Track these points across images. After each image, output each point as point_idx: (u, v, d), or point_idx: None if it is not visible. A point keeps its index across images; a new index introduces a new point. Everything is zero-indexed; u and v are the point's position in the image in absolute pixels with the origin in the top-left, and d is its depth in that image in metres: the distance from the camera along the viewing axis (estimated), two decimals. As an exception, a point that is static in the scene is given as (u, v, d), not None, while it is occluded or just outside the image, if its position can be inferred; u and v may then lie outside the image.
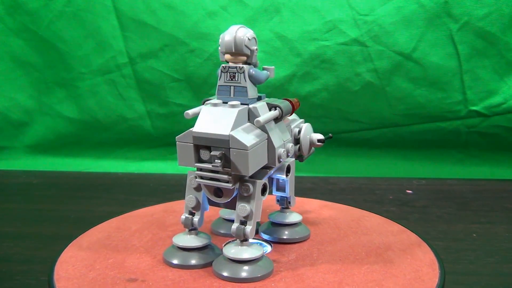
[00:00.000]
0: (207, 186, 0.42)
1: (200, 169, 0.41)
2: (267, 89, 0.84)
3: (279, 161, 0.42)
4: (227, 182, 0.41)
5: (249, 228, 0.41)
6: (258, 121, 0.40)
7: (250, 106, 0.41)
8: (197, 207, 0.44)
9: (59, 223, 0.65)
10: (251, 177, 0.41)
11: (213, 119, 0.40)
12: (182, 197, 0.64)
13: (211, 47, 0.85)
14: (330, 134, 0.49)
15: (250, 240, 0.43)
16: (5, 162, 0.95)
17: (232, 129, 0.39)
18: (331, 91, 0.86)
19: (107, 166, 0.94)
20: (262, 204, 0.43)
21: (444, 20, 0.81)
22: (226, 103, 0.42)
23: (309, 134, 0.48)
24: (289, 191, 0.49)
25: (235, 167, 0.39)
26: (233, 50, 0.41)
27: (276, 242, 0.49)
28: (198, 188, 0.43)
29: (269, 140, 0.42)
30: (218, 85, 0.42)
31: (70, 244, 0.48)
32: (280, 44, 0.85)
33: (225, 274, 0.41)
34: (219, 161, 0.39)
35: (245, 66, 0.41)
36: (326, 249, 0.48)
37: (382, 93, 0.86)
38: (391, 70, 0.84)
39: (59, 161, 0.95)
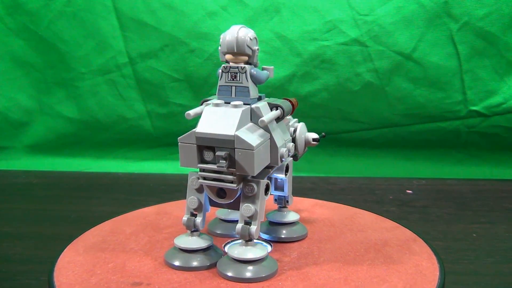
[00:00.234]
0: (209, 187, 0.42)
1: (203, 170, 0.41)
2: (267, 89, 0.84)
3: (281, 161, 0.42)
4: (231, 182, 0.40)
5: (254, 228, 0.41)
6: (262, 121, 0.40)
7: (253, 106, 0.41)
8: (199, 208, 0.43)
9: (59, 223, 0.65)
10: (254, 177, 0.41)
11: (217, 119, 0.40)
12: (182, 197, 0.64)
13: (211, 47, 0.85)
14: (323, 133, 0.49)
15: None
16: (5, 162, 0.95)
17: (237, 129, 0.39)
18: (331, 91, 0.86)
19: (107, 166, 0.94)
20: None
21: (444, 20, 0.81)
22: (228, 103, 0.42)
23: (304, 133, 0.48)
24: (287, 190, 0.49)
25: (240, 167, 0.39)
26: (235, 50, 0.41)
27: (275, 241, 0.49)
28: (199, 189, 0.43)
29: (271, 139, 0.42)
30: (219, 85, 0.42)
31: (65, 250, 0.47)
32: (280, 44, 0.85)
33: (229, 274, 0.41)
34: (224, 161, 0.39)
35: (246, 66, 0.41)
36: (325, 247, 0.48)
37: (382, 93, 0.86)
38: (391, 70, 0.84)
39: (59, 161, 0.95)
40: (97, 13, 0.87)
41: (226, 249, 0.48)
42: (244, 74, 0.41)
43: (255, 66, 0.43)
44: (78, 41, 0.89)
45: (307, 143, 0.48)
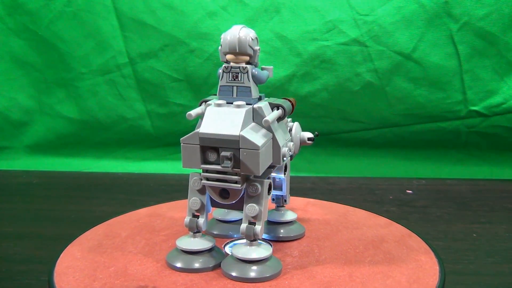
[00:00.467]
0: (212, 187, 0.42)
1: (206, 171, 0.41)
2: (267, 89, 0.84)
3: (283, 160, 0.43)
4: (236, 182, 0.40)
5: (259, 228, 0.41)
6: (266, 120, 0.40)
7: (255, 106, 0.42)
8: (201, 209, 0.43)
9: (59, 223, 0.65)
10: (257, 176, 0.41)
11: (220, 119, 0.40)
12: (182, 197, 0.64)
13: (211, 47, 0.85)
14: (316, 132, 0.49)
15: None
16: (5, 162, 0.95)
17: (241, 129, 0.39)
18: (331, 91, 0.86)
19: (107, 166, 0.94)
20: None
21: (444, 20, 0.81)
22: (230, 103, 0.41)
23: (299, 133, 0.48)
24: (286, 189, 0.49)
25: (245, 167, 0.39)
26: (237, 50, 0.41)
27: (274, 240, 0.49)
28: (201, 190, 0.43)
29: (274, 139, 0.42)
30: (220, 85, 0.42)
31: (61, 255, 0.46)
32: (280, 44, 0.85)
33: (234, 274, 0.41)
34: (229, 162, 0.39)
35: (248, 66, 0.41)
36: (324, 244, 0.49)
37: (382, 93, 0.86)
38: (391, 70, 0.84)
39: (59, 161, 0.95)
40: (97, 13, 0.87)
41: (226, 249, 0.48)
42: (246, 74, 0.41)
43: (256, 66, 0.43)
44: (78, 41, 0.89)
45: (302, 142, 0.48)
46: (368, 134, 0.91)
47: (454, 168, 0.89)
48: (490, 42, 0.82)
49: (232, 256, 0.43)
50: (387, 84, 0.85)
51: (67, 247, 0.48)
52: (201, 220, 0.43)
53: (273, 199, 0.51)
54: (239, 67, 0.41)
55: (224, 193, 0.42)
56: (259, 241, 0.43)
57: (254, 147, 0.39)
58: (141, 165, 0.94)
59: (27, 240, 0.59)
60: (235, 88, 0.42)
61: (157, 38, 0.87)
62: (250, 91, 0.42)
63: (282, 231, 0.50)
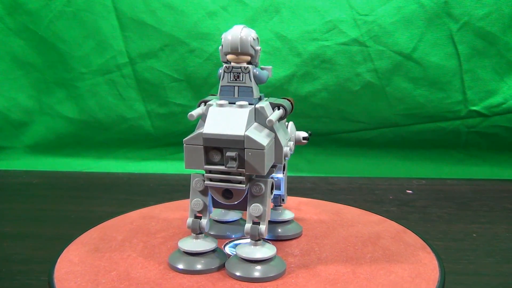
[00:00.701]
0: (215, 188, 0.42)
1: (209, 171, 0.41)
2: (267, 89, 0.84)
3: (285, 159, 0.43)
4: (240, 183, 0.40)
5: (263, 228, 0.41)
6: (270, 120, 0.40)
7: (257, 106, 0.42)
8: (204, 210, 0.43)
9: (59, 223, 0.65)
10: (260, 176, 0.41)
11: (224, 119, 0.40)
12: (182, 197, 0.64)
13: (211, 47, 0.85)
14: (309, 132, 0.49)
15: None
16: (5, 162, 0.95)
17: (246, 129, 0.39)
18: (331, 91, 0.86)
19: (107, 166, 0.94)
20: None
21: (444, 20, 0.81)
22: (232, 103, 0.41)
23: (294, 132, 0.48)
24: (284, 189, 0.50)
25: (250, 167, 0.39)
26: (239, 50, 0.41)
27: (273, 240, 0.49)
28: (204, 191, 0.43)
29: (276, 139, 0.42)
30: (221, 86, 0.42)
31: (58, 261, 0.45)
32: (280, 44, 0.85)
33: (238, 274, 0.41)
34: (234, 162, 0.39)
35: (250, 66, 0.41)
36: (323, 242, 0.49)
37: (382, 93, 0.86)
38: (391, 70, 0.84)
39: (59, 161, 0.95)
40: (97, 13, 0.87)
41: (226, 249, 0.48)
42: (248, 74, 0.41)
43: (256, 66, 0.43)
44: (78, 41, 0.89)
45: (297, 142, 0.48)
46: (368, 134, 0.91)
47: (454, 168, 0.89)
48: (490, 42, 0.82)
49: (236, 256, 0.43)
50: (387, 84, 0.85)
51: (62, 253, 0.47)
52: (204, 221, 0.43)
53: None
54: (240, 67, 0.41)
55: (227, 193, 0.42)
56: (262, 241, 0.43)
57: (260, 147, 0.39)
58: (141, 165, 0.94)
59: (27, 240, 0.59)
60: (236, 88, 0.42)
61: (157, 38, 0.87)
62: (252, 91, 0.42)
63: (280, 230, 0.50)
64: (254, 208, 0.41)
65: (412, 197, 0.75)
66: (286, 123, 0.48)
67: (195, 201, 0.43)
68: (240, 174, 0.40)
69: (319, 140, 0.91)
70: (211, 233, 0.50)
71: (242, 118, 0.40)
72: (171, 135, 0.93)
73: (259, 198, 0.41)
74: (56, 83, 0.93)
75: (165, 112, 0.92)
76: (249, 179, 0.41)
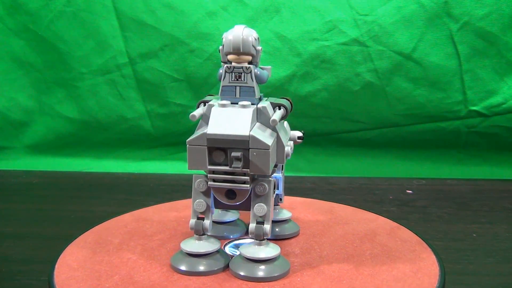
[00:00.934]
0: (218, 188, 0.42)
1: (213, 172, 0.41)
2: (267, 89, 0.84)
3: (286, 159, 0.43)
4: (244, 183, 0.40)
5: (268, 227, 0.42)
6: (274, 120, 0.40)
7: (259, 106, 0.42)
8: (207, 211, 0.43)
9: (59, 223, 0.65)
10: (263, 176, 0.41)
11: (227, 120, 0.40)
12: (182, 197, 0.64)
13: (211, 47, 0.85)
14: (302, 131, 0.49)
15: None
16: (5, 162, 0.95)
17: (250, 129, 0.39)
18: (331, 91, 0.86)
19: (107, 166, 0.94)
20: None
21: (444, 20, 0.81)
22: (234, 103, 0.42)
23: (289, 131, 0.48)
24: (281, 188, 0.50)
25: (255, 167, 0.39)
26: (241, 50, 0.40)
27: (272, 239, 0.49)
28: (206, 192, 0.43)
29: (278, 138, 0.42)
30: (222, 86, 0.42)
31: (56, 266, 0.44)
32: (280, 44, 0.85)
33: (242, 273, 0.41)
34: (239, 162, 0.39)
35: (251, 66, 0.41)
36: (322, 241, 0.50)
37: (382, 93, 0.86)
38: (391, 70, 0.84)
39: (59, 161, 0.95)
40: (97, 13, 0.87)
41: (226, 249, 0.48)
42: (249, 74, 0.41)
43: (256, 66, 0.43)
44: (78, 41, 0.89)
45: (292, 141, 0.48)
46: (368, 134, 0.91)
47: (454, 168, 0.89)
48: (490, 42, 0.82)
49: (240, 255, 0.43)
50: (387, 84, 0.85)
51: (59, 258, 0.46)
52: (207, 222, 0.43)
53: None
54: (242, 67, 0.41)
55: (230, 193, 0.42)
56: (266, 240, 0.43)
57: (265, 147, 0.39)
58: (141, 165, 0.94)
59: (27, 240, 0.59)
60: (238, 88, 0.42)
61: (157, 38, 0.87)
62: (254, 91, 0.42)
63: (277, 229, 0.50)
64: (259, 208, 0.41)
65: (412, 197, 0.75)
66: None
67: (198, 202, 0.43)
68: (244, 174, 0.40)
69: (319, 140, 0.91)
70: (209, 234, 0.50)
71: (246, 118, 0.40)
72: (171, 135, 0.93)
73: (263, 197, 0.41)
74: (56, 83, 0.93)
75: (165, 112, 0.92)
76: (252, 179, 0.41)
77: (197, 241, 0.44)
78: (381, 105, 0.87)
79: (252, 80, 0.41)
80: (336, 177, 0.86)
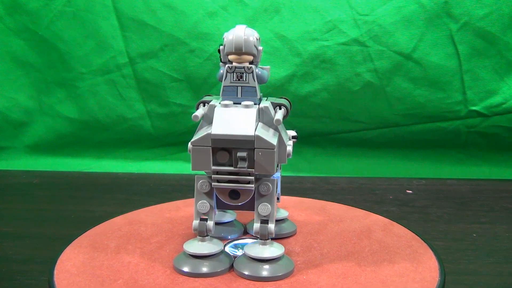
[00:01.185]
0: (222, 189, 0.42)
1: (216, 172, 0.41)
2: (267, 89, 0.84)
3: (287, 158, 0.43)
4: (248, 183, 0.40)
5: (272, 226, 0.42)
6: (278, 120, 0.41)
7: (261, 106, 0.42)
8: (210, 212, 0.43)
9: (59, 223, 0.65)
10: (266, 175, 0.41)
11: (231, 120, 0.40)
12: (182, 197, 0.64)
13: (211, 47, 0.85)
14: (295, 130, 0.49)
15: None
16: (5, 162, 0.95)
17: (255, 129, 0.39)
18: (331, 91, 0.86)
19: (107, 166, 0.94)
20: None
21: (444, 20, 0.81)
22: (236, 103, 0.42)
23: None
24: (279, 187, 0.50)
25: (260, 167, 0.39)
26: (243, 50, 0.40)
27: (271, 238, 0.49)
28: (209, 193, 0.43)
29: (280, 138, 0.42)
30: (224, 86, 0.42)
31: (55, 272, 0.43)
32: (280, 44, 0.85)
33: (246, 273, 0.42)
34: (245, 162, 0.39)
35: (253, 66, 0.41)
36: (320, 239, 0.50)
37: (382, 93, 0.86)
38: (391, 70, 0.84)
39: (59, 161, 0.95)
40: (97, 13, 0.87)
41: (227, 249, 0.48)
42: (251, 74, 0.41)
43: (257, 66, 0.43)
44: (78, 41, 0.89)
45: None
46: (368, 134, 0.91)
47: (454, 168, 0.89)
48: (490, 42, 0.82)
49: (244, 255, 0.43)
50: (387, 84, 0.85)
51: (57, 263, 0.45)
52: (210, 223, 0.43)
53: None
54: (243, 67, 0.41)
55: (233, 194, 0.42)
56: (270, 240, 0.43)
57: (270, 147, 0.39)
58: (141, 165, 0.94)
59: (27, 240, 0.59)
60: (239, 88, 0.42)
61: (157, 38, 0.87)
62: (256, 91, 0.42)
63: (275, 229, 0.50)
64: (263, 208, 0.41)
65: (412, 197, 0.75)
66: None
67: (201, 203, 0.43)
68: (249, 174, 0.40)
69: (319, 140, 0.91)
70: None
71: (250, 118, 0.40)
72: (171, 135, 0.93)
73: (266, 197, 0.42)
74: (56, 83, 0.93)
75: (165, 112, 0.92)
76: (256, 179, 0.41)
77: (200, 243, 0.43)
78: (381, 105, 0.87)
79: (254, 80, 0.41)
80: (336, 177, 0.86)
